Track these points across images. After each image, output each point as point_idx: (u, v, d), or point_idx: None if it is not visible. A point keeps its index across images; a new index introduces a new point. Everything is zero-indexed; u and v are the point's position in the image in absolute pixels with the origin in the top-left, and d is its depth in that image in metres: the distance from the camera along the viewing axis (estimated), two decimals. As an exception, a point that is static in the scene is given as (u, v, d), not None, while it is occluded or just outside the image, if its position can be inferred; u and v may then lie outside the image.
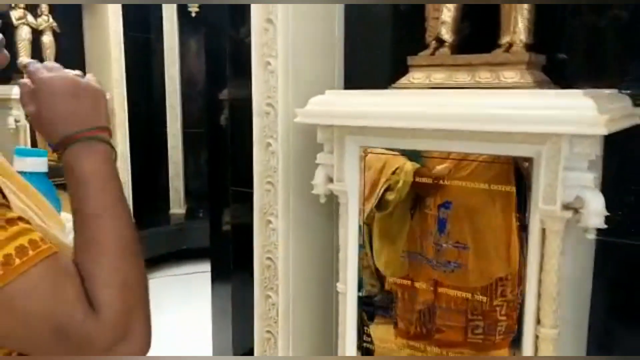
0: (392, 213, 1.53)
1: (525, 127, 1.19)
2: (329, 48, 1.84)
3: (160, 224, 4.81)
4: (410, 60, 1.54)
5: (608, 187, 1.51)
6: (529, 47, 1.43)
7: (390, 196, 1.50)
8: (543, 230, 1.27)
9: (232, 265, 2.23)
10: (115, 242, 0.74)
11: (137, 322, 0.72)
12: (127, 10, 4.29)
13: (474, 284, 1.41)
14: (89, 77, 0.82)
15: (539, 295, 1.29)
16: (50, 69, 0.79)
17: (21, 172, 0.89)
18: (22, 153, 0.99)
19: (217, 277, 2.41)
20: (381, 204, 1.53)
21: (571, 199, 1.22)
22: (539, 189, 1.24)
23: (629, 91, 1.47)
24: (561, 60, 1.58)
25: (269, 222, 1.77)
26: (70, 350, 0.69)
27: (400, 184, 1.48)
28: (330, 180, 1.55)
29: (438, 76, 1.48)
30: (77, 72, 0.82)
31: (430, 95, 1.38)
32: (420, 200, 1.48)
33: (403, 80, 1.54)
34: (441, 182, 1.42)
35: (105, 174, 0.76)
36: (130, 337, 0.71)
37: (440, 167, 1.43)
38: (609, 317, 1.58)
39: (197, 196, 4.92)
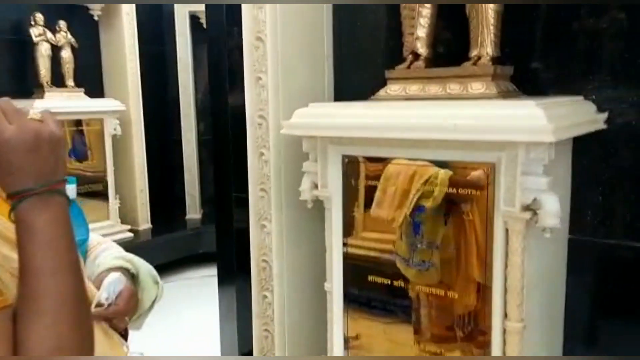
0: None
1: (482, 136, 1.29)
2: (318, 62, 1.96)
3: (177, 229, 4.97)
4: (388, 73, 1.65)
5: (578, 189, 1.61)
6: (496, 60, 1.53)
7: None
8: (507, 230, 1.37)
9: (236, 268, 2.36)
10: (55, 303, 0.70)
11: None
12: (141, 25, 4.47)
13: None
14: (49, 122, 0.76)
15: (505, 291, 1.39)
16: (12, 116, 0.72)
17: None
18: None
19: (223, 279, 2.54)
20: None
21: (529, 201, 1.32)
22: (500, 192, 1.35)
23: (593, 97, 1.56)
24: (534, 70, 1.68)
25: (264, 226, 1.89)
26: None
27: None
28: (316, 186, 1.67)
29: (413, 88, 1.59)
30: (39, 114, 0.76)
31: (403, 107, 1.49)
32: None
33: (381, 93, 1.65)
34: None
35: (56, 230, 0.73)
36: None
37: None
38: (584, 312, 1.67)
39: (212, 202, 5.08)
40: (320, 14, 1.94)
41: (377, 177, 1.58)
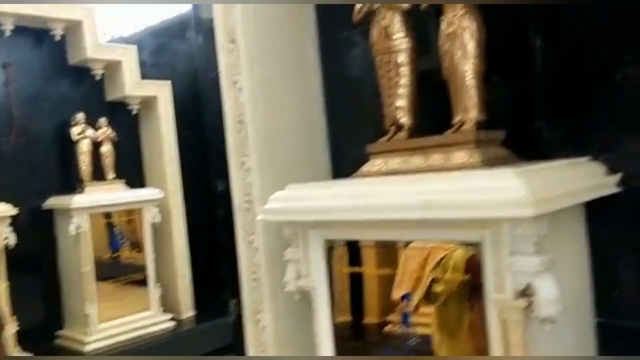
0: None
1: (456, 213, 1.12)
2: (310, 139, 1.87)
3: (223, 314, 4.86)
4: (369, 147, 1.52)
5: (599, 263, 1.38)
6: (482, 125, 1.38)
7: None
8: (503, 322, 1.16)
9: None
10: None
11: None
12: (181, 112, 4.59)
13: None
14: None
15: (510, 396, 1.16)
16: None
17: None
18: None
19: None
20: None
21: (522, 286, 1.12)
22: (489, 276, 1.15)
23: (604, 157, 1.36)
24: (535, 131, 1.50)
25: (258, 320, 1.75)
26: None
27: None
28: (301, 276, 1.52)
29: (395, 162, 1.45)
30: None
31: (378, 184, 1.34)
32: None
33: (364, 169, 1.51)
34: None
35: None
36: None
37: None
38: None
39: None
40: (308, 89, 1.87)
41: (365, 262, 1.43)
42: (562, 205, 1.10)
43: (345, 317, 1.53)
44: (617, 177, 1.32)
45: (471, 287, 1.31)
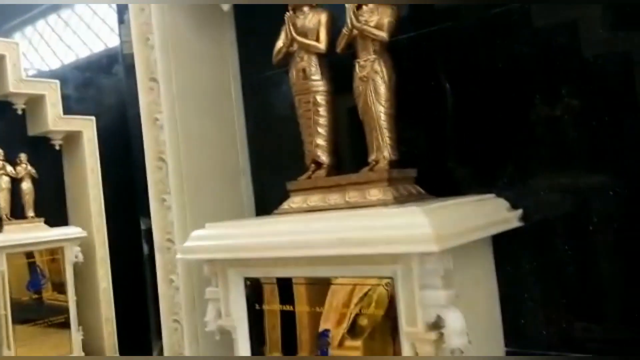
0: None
1: (368, 249, 1.15)
2: (233, 178, 1.87)
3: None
4: (289, 185, 1.55)
5: (506, 296, 1.45)
6: (395, 164, 1.43)
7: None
8: (417, 354, 1.19)
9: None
10: None
11: None
12: (106, 150, 4.47)
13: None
14: None
15: None
16: None
17: None
18: None
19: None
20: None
21: (433, 319, 1.16)
22: (402, 310, 1.19)
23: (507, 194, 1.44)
24: (448, 170, 1.57)
25: (179, 361, 1.71)
26: None
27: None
28: (221, 315, 1.50)
29: (314, 199, 1.48)
30: None
31: (294, 222, 1.36)
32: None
33: (284, 206, 1.53)
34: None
35: None
36: None
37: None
38: None
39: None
40: (231, 127, 1.88)
41: (283, 300, 1.43)
42: (466, 240, 1.16)
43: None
44: (519, 212, 1.40)
45: (393, 321, 1.34)
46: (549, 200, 1.40)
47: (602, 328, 1.34)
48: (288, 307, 1.42)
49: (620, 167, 1.31)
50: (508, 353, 1.44)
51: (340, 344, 1.43)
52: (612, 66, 1.32)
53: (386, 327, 1.25)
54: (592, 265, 1.34)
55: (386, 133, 1.42)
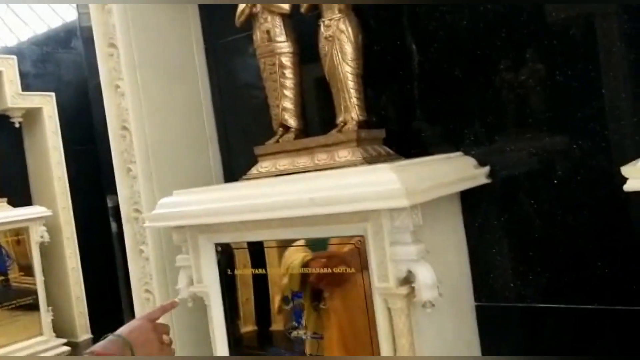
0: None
1: (339, 207, 1.15)
2: (200, 142, 1.84)
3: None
4: (257, 150, 1.53)
5: (475, 251, 1.48)
6: (363, 124, 1.43)
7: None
8: (389, 310, 1.21)
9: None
10: None
11: None
12: (68, 125, 4.35)
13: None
14: None
15: (396, 380, 1.21)
16: None
17: None
18: None
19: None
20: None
21: (404, 274, 1.17)
22: (373, 267, 1.19)
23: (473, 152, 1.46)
24: (415, 130, 1.57)
25: (152, 331, 1.69)
26: None
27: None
28: (193, 282, 1.49)
29: (283, 163, 1.47)
30: None
31: (263, 185, 1.35)
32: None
33: (253, 171, 1.52)
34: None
35: None
36: None
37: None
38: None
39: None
40: (196, 94, 1.84)
41: (255, 264, 1.43)
42: (435, 196, 1.17)
43: (251, 327, 1.48)
44: (486, 169, 1.41)
45: (365, 278, 1.34)
46: (515, 157, 1.41)
47: (568, 279, 1.37)
48: (260, 271, 1.41)
49: (581, 124, 1.32)
50: (478, 307, 1.47)
51: (314, 305, 1.43)
52: (575, 28, 1.33)
53: (358, 284, 1.25)
54: (558, 218, 1.36)
55: (353, 94, 1.41)
